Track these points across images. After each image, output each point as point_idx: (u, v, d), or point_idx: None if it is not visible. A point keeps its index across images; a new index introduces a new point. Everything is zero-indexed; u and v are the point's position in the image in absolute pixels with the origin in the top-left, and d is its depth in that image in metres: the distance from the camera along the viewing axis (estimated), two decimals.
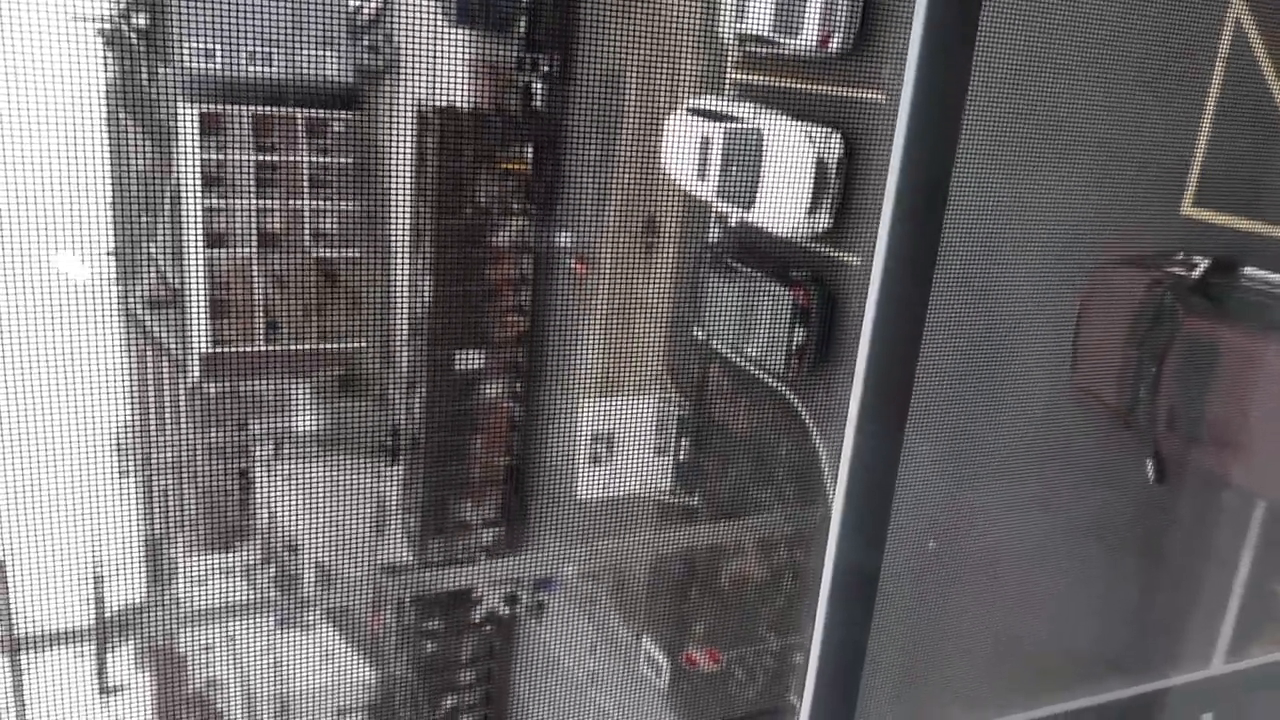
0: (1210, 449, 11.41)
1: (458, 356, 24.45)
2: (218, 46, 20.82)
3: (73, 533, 17.29)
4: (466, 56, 22.12)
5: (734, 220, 19.69)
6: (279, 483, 24.73)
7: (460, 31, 21.53)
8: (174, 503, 24.36)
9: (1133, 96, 12.29)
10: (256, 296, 24.12)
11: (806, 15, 17.40)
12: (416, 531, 24.23)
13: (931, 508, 13.68)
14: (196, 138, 23.04)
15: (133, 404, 23.97)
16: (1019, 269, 13.35)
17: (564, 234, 24.05)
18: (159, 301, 24.04)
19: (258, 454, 24.81)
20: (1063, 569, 13.13)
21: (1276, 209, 11.08)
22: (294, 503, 24.56)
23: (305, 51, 21.69)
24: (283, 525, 24.47)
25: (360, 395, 25.08)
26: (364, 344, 24.88)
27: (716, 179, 18.78)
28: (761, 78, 19.72)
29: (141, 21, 21.27)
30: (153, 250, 23.39)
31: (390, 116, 23.27)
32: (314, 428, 24.76)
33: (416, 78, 20.31)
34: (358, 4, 23.16)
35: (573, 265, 23.80)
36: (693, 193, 19.99)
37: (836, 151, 17.53)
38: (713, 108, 19.48)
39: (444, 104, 21.69)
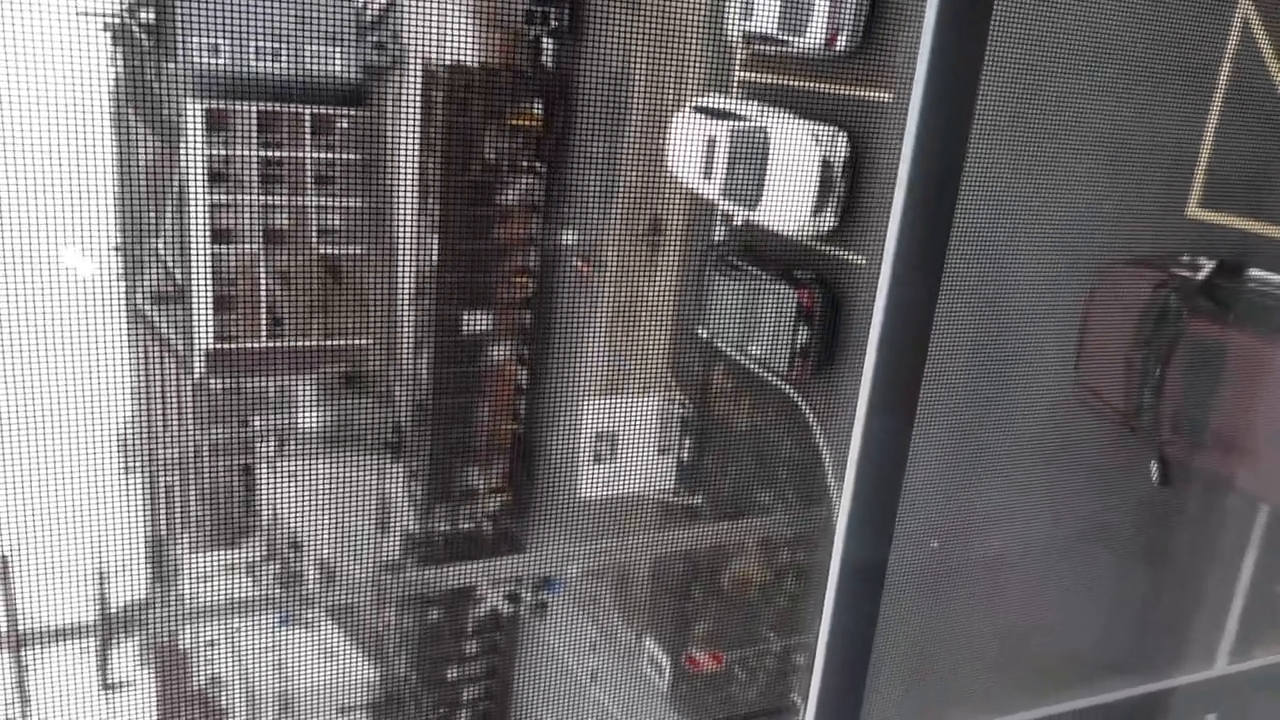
0: (1215, 451, 11.40)
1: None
2: (224, 42, 20.83)
3: (77, 529, 17.31)
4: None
5: (739, 220, 19.68)
6: (283, 479, 24.76)
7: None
8: (178, 499, 24.39)
9: (1140, 97, 12.27)
10: (261, 292, 24.15)
11: (813, 14, 17.38)
12: (422, 500, 24.26)
13: (939, 505, 13.68)
14: (202, 133, 23.06)
15: (137, 400, 24.00)
16: (1025, 268, 13.34)
17: (568, 234, 24.05)
18: (164, 297, 24.07)
19: (262, 450, 24.84)
20: (1068, 569, 13.12)
21: None
22: (298, 499, 24.58)
23: (311, 47, 21.71)
24: (287, 521, 24.49)
25: (365, 391, 25.10)
26: (370, 338, 24.89)
27: (722, 178, 18.77)
28: (768, 76, 19.70)
29: (148, 17, 21.29)
30: (158, 246, 23.42)
31: (396, 110, 23.28)
32: (318, 423, 24.79)
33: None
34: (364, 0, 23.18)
35: (576, 265, 23.80)
36: (698, 192, 19.98)
37: (842, 151, 17.51)
38: (719, 106, 19.47)
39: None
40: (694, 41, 19.75)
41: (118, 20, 20.94)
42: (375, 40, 23.16)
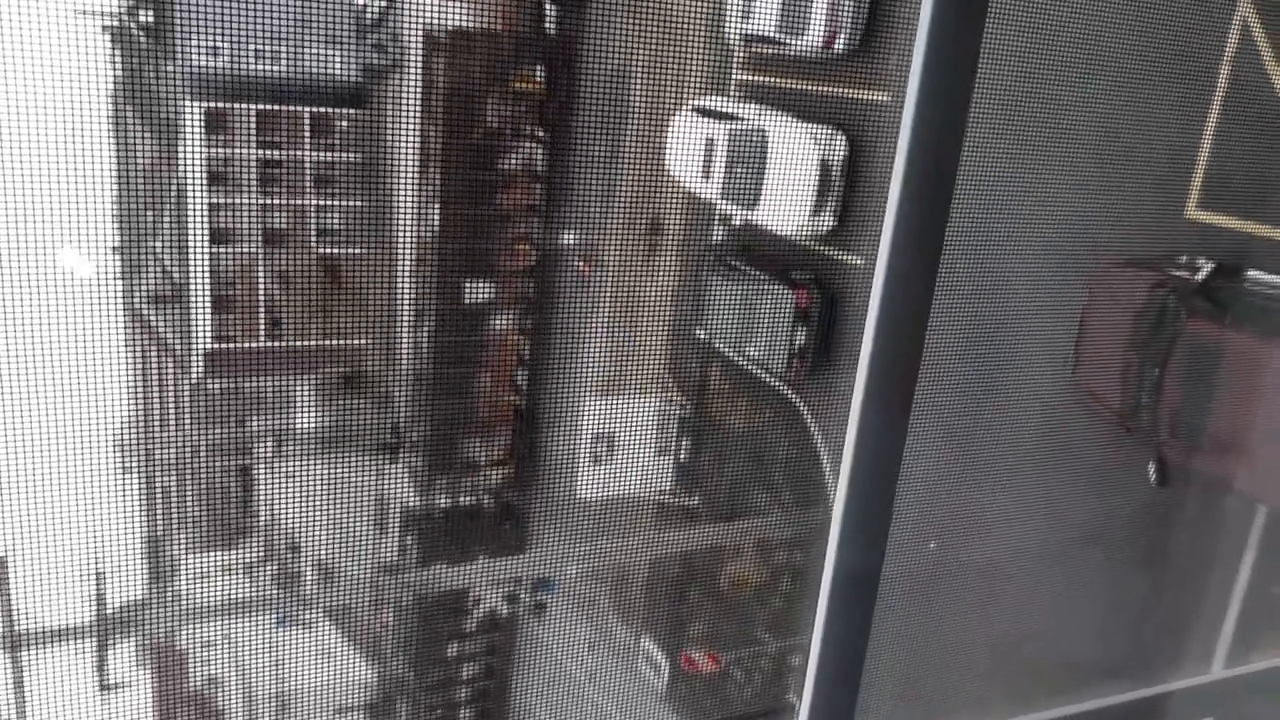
0: (1213, 453, 11.39)
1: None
2: (223, 43, 20.82)
3: (74, 529, 17.30)
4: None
5: (737, 220, 19.68)
6: (282, 479, 24.74)
7: None
8: (176, 499, 24.38)
9: (1138, 98, 12.27)
10: (260, 293, 24.13)
11: (812, 15, 17.39)
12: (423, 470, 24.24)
13: (934, 507, 13.67)
14: (201, 134, 23.05)
15: (135, 400, 23.98)
16: (1022, 269, 13.33)
17: (569, 235, 24.05)
18: (163, 298, 24.05)
19: (260, 451, 24.83)
20: (1064, 572, 13.11)
21: None
22: (296, 499, 24.56)
23: (311, 49, 21.70)
24: (285, 522, 24.48)
25: (364, 389, 25.09)
26: (369, 332, 24.88)
27: (720, 179, 18.77)
28: (766, 78, 19.71)
29: (147, 17, 21.28)
30: (157, 247, 23.41)
31: (398, 112, 23.28)
32: (317, 424, 24.77)
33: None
34: (364, 1, 23.17)
35: (578, 265, 23.80)
36: (696, 193, 19.98)
37: (841, 152, 17.52)
38: (717, 107, 19.47)
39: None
40: (692, 43, 19.76)
41: (117, 20, 20.92)
42: (375, 41, 23.16)
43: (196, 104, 22.32)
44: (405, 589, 23.72)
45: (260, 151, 23.90)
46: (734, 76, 20.25)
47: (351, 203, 24.76)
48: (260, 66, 21.59)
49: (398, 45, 23.11)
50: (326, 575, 24.29)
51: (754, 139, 18.27)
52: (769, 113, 18.67)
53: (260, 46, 20.82)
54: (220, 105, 22.82)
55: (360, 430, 25.11)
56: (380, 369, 24.73)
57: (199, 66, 21.10)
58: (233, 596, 23.95)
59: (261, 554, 25.00)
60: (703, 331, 20.60)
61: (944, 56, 2.93)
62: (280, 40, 20.33)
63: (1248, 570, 10.78)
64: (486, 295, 24.67)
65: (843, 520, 3.23)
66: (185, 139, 22.81)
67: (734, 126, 18.60)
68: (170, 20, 21.30)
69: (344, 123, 24.01)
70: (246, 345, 24.52)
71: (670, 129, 19.97)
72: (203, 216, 23.37)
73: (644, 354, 22.09)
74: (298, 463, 24.76)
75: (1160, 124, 12.21)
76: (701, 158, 18.97)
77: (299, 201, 24.33)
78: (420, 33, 22.44)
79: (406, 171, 22.80)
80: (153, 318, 24.18)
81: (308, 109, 23.67)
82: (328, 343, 24.79)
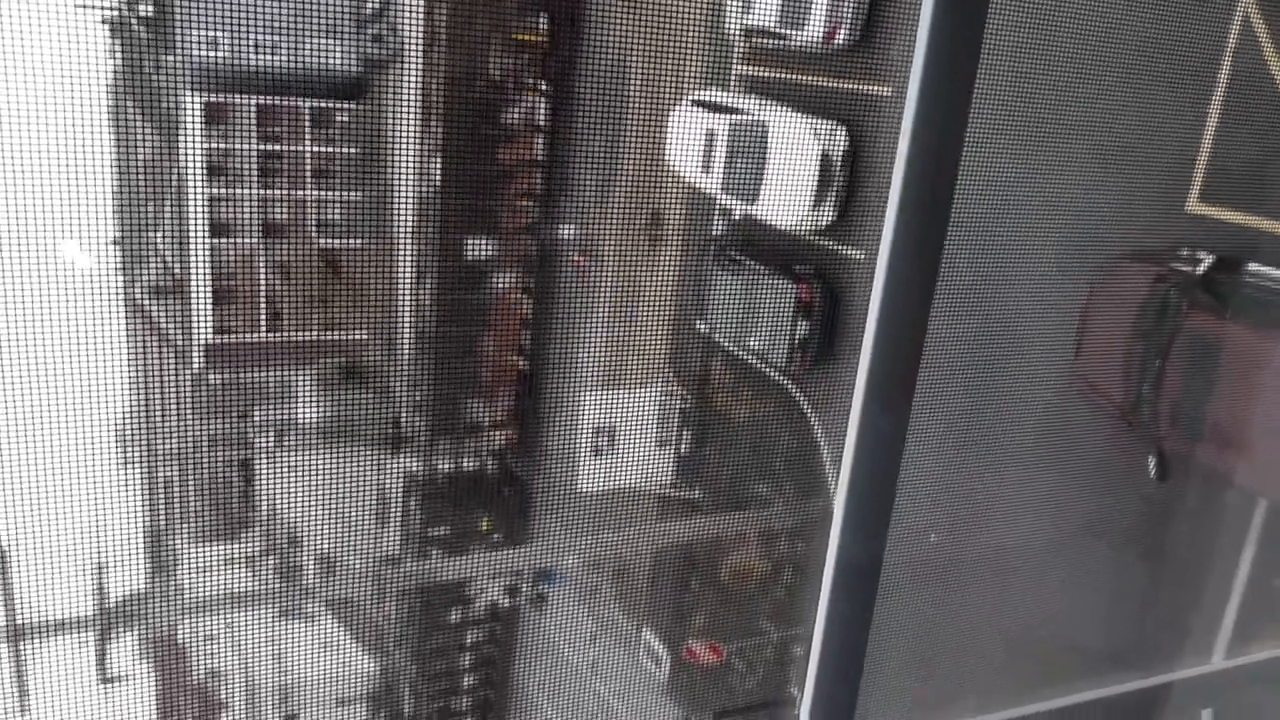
0: (1213, 446, 11.40)
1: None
2: (222, 35, 20.79)
3: (75, 522, 17.32)
4: None
5: (738, 214, 19.67)
6: (282, 472, 24.77)
7: None
8: (177, 492, 24.40)
9: (1140, 91, 12.26)
10: (260, 285, 24.13)
11: (813, 8, 17.37)
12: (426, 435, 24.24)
13: (935, 499, 13.69)
14: (201, 126, 23.03)
15: (136, 393, 24.00)
16: (1023, 262, 13.33)
17: (568, 228, 24.04)
18: (163, 290, 24.06)
19: (261, 443, 24.85)
20: (1065, 563, 13.13)
21: None
22: (298, 491, 24.59)
23: (310, 41, 21.66)
24: (286, 514, 24.51)
25: (365, 384, 25.10)
26: (370, 320, 24.87)
27: (721, 172, 18.76)
28: (767, 71, 19.69)
29: (146, 10, 21.25)
30: (157, 239, 23.40)
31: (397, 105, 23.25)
32: (318, 416, 24.79)
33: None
34: None
35: (574, 259, 23.80)
36: (697, 186, 19.97)
37: (841, 145, 17.51)
38: (718, 100, 19.45)
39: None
40: (693, 36, 19.73)
41: (116, 13, 20.89)
42: (374, 33, 23.12)
43: (195, 96, 22.29)
44: (408, 580, 23.76)
45: (259, 144, 23.87)
46: (734, 69, 20.23)
47: (352, 195, 24.74)
48: (259, 59, 21.56)
49: (396, 37, 23.09)
50: (328, 566, 24.33)
51: (755, 132, 18.26)
52: (770, 106, 18.66)
53: (259, 38, 20.79)
54: (219, 97, 22.80)
55: (363, 422, 25.13)
56: (382, 358, 24.74)
57: (198, 58, 21.08)
58: (234, 588, 23.99)
59: (263, 546, 25.04)
60: (704, 324, 20.62)
61: (946, 50, 2.94)
62: (279, 33, 20.30)
63: (1248, 563, 10.80)
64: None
65: (844, 511, 3.25)
66: (184, 131, 22.79)
67: (735, 119, 18.59)
68: (169, 12, 21.28)
69: (343, 115, 23.97)
70: (247, 338, 24.53)
71: (670, 122, 19.96)
72: (202, 208, 23.36)
73: (645, 346, 22.10)
74: (299, 454, 24.79)
75: (1162, 117, 12.21)
76: (702, 151, 18.97)
77: (298, 192, 24.31)
78: None
79: (407, 154, 22.78)
80: (153, 310, 24.19)
81: (306, 101, 23.64)
82: (328, 335, 24.79)
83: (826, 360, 18.42)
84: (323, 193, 24.57)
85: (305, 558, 24.61)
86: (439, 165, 22.59)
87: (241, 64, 21.42)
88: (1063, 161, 13.09)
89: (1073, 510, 12.86)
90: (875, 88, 17.63)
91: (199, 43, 20.94)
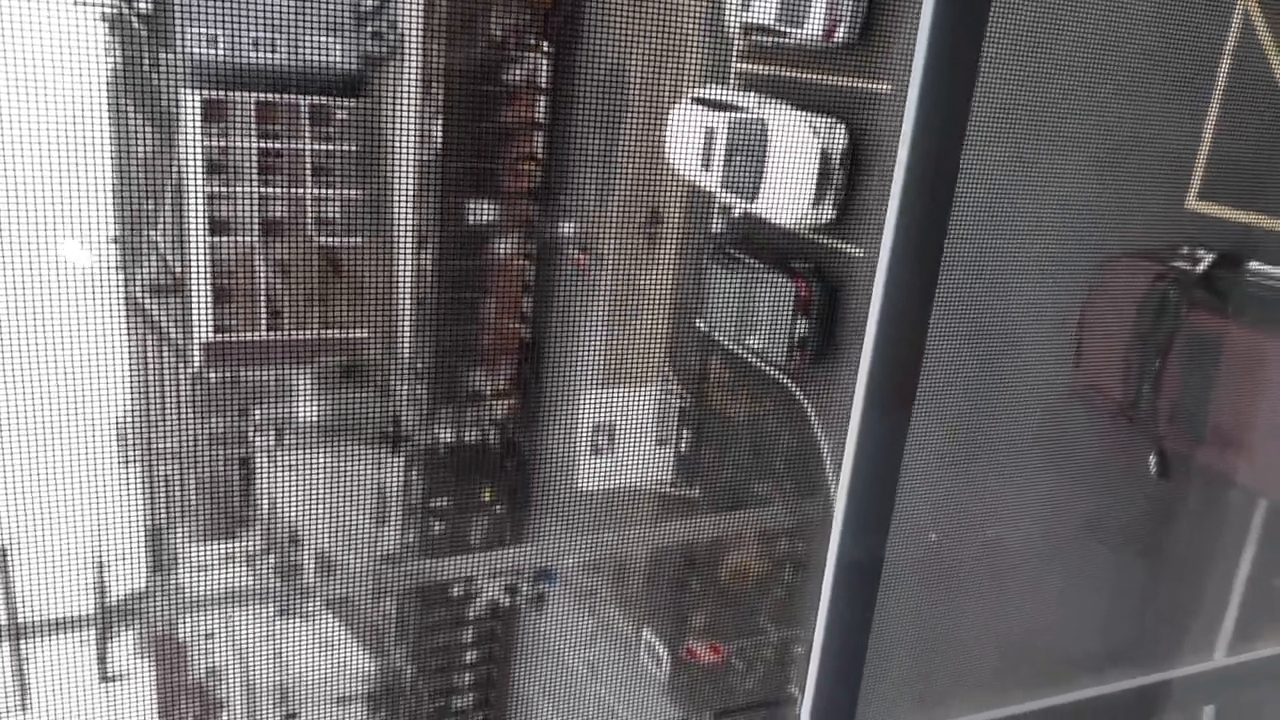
0: (1213, 444, 11.40)
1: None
2: (221, 32, 20.76)
3: (75, 520, 17.31)
4: None
5: (738, 211, 19.66)
6: (281, 470, 24.76)
7: None
8: (177, 490, 24.39)
9: (1140, 88, 12.25)
10: (259, 283, 24.11)
11: (812, 5, 17.35)
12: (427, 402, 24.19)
13: (936, 499, 13.68)
14: (199, 124, 23.00)
15: (135, 391, 23.98)
16: (1024, 260, 13.32)
17: (568, 225, 24.03)
18: (162, 288, 24.04)
19: (260, 441, 24.84)
20: (1065, 561, 13.13)
21: None
22: (297, 490, 24.60)
23: (309, 38, 21.63)
24: (285, 512, 24.51)
25: (363, 382, 25.09)
26: (370, 319, 24.86)
27: (721, 170, 18.75)
28: (766, 68, 19.67)
29: (145, 6, 21.22)
30: (156, 237, 23.38)
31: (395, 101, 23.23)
32: (318, 414, 24.78)
33: None
34: None
35: (575, 256, 23.78)
36: (696, 183, 19.96)
37: (841, 142, 17.49)
38: (717, 97, 19.44)
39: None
40: (691, 33, 19.72)
41: (114, 9, 20.87)
42: (373, 29, 23.10)
43: (194, 93, 22.26)
44: (407, 578, 23.76)
45: (258, 141, 23.85)
46: (734, 66, 20.21)
47: (351, 193, 24.73)
48: (258, 56, 21.53)
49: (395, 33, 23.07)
50: (327, 565, 24.33)
51: (754, 129, 18.25)
52: (769, 103, 18.65)
53: (258, 35, 20.77)
54: (218, 94, 22.76)
55: (364, 419, 25.13)
56: (382, 357, 24.73)
57: (197, 55, 21.05)
58: (233, 587, 23.99)
59: (261, 544, 25.04)
60: (702, 322, 20.61)
61: (947, 47, 2.92)
62: (277, 29, 20.27)
63: (1248, 562, 10.80)
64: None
65: (845, 511, 3.24)
66: (183, 128, 22.76)
67: (734, 117, 18.58)
68: (168, 9, 21.25)
69: (342, 112, 23.94)
70: (246, 336, 24.51)
71: (670, 119, 19.94)
72: (202, 206, 23.34)
73: (645, 343, 22.10)
74: (297, 453, 24.78)
75: (1161, 115, 12.20)
76: (701, 148, 18.95)
77: (297, 189, 24.29)
78: None
79: (406, 151, 22.76)
80: (151, 307, 24.17)
81: (306, 98, 23.61)
82: (328, 333, 24.78)
83: (826, 358, 18.41)
84: (322, 190, 24.55)
85: (305, 555, 24.61)
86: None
87: (240, 60, 21.40)
88: (1063, 159, 13.08)
89: (1074, 509, 12.85)
90: (875, 85, 17.62)
91: (198, 39, 20.91)
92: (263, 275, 24.23)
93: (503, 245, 24.58)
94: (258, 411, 24.85)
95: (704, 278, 20.29)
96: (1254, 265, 10.97)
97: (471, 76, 23.15)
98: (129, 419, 22.75)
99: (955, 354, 13.17)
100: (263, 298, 24.25)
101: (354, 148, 24.55)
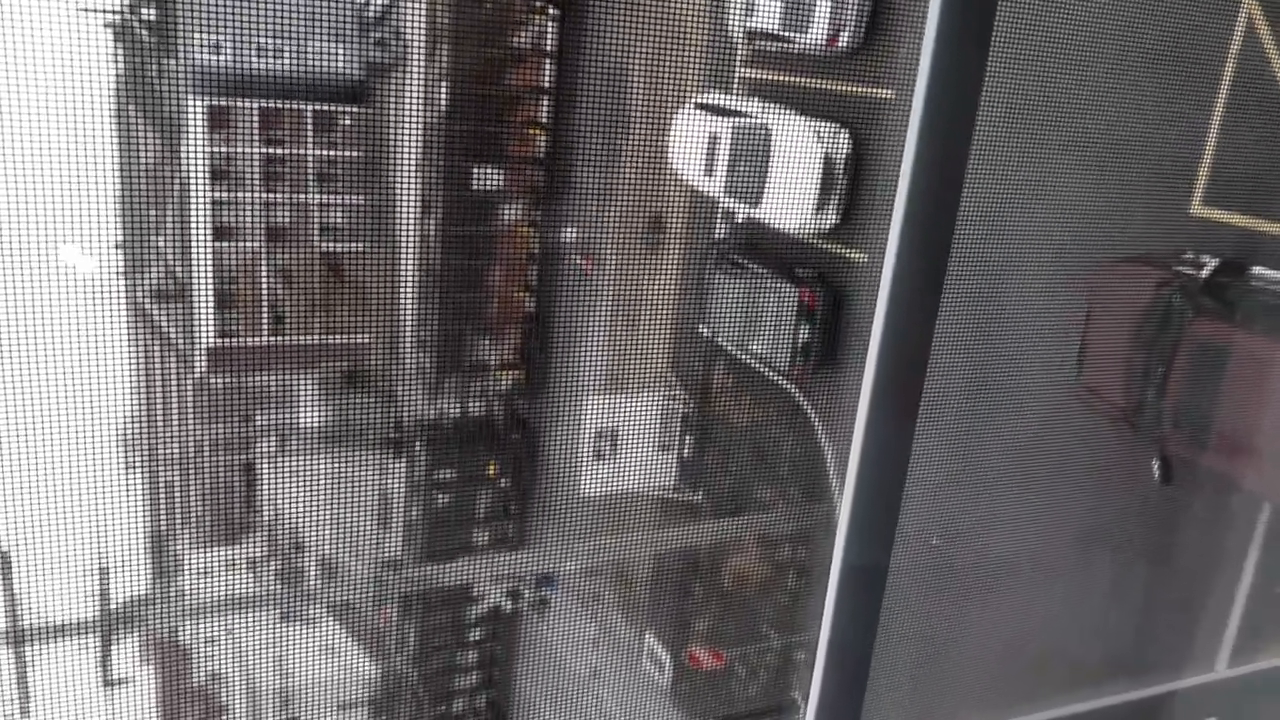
0: (1218, 451, 11.37)
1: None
2: (226, 40, 20.81)
3: (79, 525, 17.32)
4: None
5: (741, 217, 19.66)
6: (286, 475, 24.77)
7: None
8: (180, 495, 24.41)
9: (1144, 94, 12.24)
10: (264, 289, 24.14)
11: (816, 12, 17.36)
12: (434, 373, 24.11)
13: (940, 506, 13.65)
14: (204, 131, 23.05)
15: (139, 396, 24.01)
16: (1029, 266, 13.31)
17: (570, 230, 24.05)
18: (166, 294, 24.07)
19: (264, 447, 24.85)
20: (1068, 570, 13.09)
21: None
22: (300, 495, 24.59)
23: (313, 45, 21.68)
24: (289, 517, 24.51)
25: (367, 387, 25.10)
26: (375, 322, 24.86)
27: (724, 175, 18.75)
28: (770, 74, 19.68)
29: (150, 14, 21.28)
30: (160, 243, 23.42)
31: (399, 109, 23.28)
32: (322, 419, 24.80)
33: None
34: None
35: (578, 262, 23.79)
36: (700, 189, 19.96)
37: (844, 149, 17.49)
38: (720, 103, 19.45)
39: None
40: (695, 39, 19.74)
41: (119, 17, 20.93)
42: (378, 36, 23.15)
43: (199, 100, 22.31)
44: (410, 583, 23.75)
45: (262, 148, 23.89)
46: (737, 72, 20.23)
47: (355, 199, 24.77)
48: (262, 63, 21.57)
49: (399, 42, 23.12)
50: (331, 570, 24.32)
51: (758, 135, 18.25)
52: (773, 109, 18.66)
53: (263, 42, 20.81)
54: (222, 102, 22.82)
55: (367, 425, 25.14)
56: (386, 363, 24.75)
57: (201, 63, 21.10)
58: (236, 592, 23.99)
59: (264, 549, 25.04)
60: (706, 328, 20.60)
61: (953, 53, 2.92)
62: (282, 37, 20.31)
63: (1252, 569, 10.77)
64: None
65: (850, 517, 3.23)
66: (188, 135, 22.81)
67: (737, 122, 18.58)
68: (173, 17, 21.31)
69: (346, 119, 23.98)
70: (250, 341, 24.54)
71: (674, 126, 19.95)
72: (206, 212, 23.38)
73: (648, 350, 22.09)
74: (301, 458, 24.79)
75: (1165, 120, 12.19)
76: (704, 154, 18.95)
77: (302, 195, 24.33)
78: None
79: (410, 158, 22.80)
80: (156, 313, 24.21)
81: (310, 105, 23.65)
82: (332, 338, 24.81)
83: (830, 364, 18.38)
84: (326, 196, 24.59)
85: (308, 560, 24.60)
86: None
87: (244, 68, 21.45)
88: (1068, 164, 13.07)
89: (1076, 515, 12.83)
90: (878, 91, 17.62)
91: (202, 47, 20.96)
92: (266, 281, 24.26)
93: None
94: (261, 417, 24.86)
95: (707, 284, 20.27)
96: (1258, 271, 10.95)
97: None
98: (133, 424, 22.77)
99: (960, 360, 13.16)
100: (266, 303, 24.28)
101: (357, 154, 24.60)
